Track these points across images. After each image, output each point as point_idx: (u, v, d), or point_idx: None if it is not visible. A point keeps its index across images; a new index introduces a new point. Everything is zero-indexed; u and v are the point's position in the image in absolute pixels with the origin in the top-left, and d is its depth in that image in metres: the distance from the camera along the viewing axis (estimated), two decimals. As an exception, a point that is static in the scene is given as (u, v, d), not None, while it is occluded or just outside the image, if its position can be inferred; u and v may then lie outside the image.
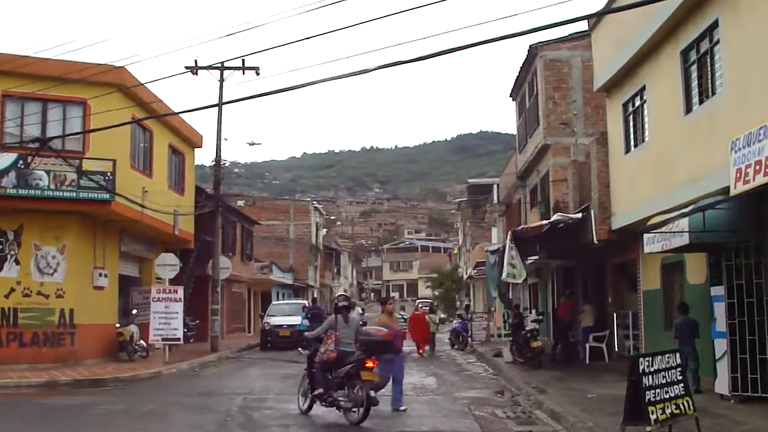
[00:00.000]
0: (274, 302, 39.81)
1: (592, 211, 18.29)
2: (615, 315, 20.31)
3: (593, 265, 21.99)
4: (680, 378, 9.03)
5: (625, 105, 17.40)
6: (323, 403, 11.98)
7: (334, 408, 11.84)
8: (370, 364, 11.44)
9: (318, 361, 12.13)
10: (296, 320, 30.94)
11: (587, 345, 20.48)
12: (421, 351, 27.33)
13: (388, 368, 12.66)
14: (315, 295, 59.43)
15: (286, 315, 32.14)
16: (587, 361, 20.06)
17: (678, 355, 9.31)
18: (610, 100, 18.57)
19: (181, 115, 25.81)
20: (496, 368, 20.79)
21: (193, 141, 28.88)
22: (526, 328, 21.56)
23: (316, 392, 12.05)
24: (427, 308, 32.55)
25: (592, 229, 18.07)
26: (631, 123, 17.14)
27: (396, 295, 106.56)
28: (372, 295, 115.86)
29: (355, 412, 11.41)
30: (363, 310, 33.82)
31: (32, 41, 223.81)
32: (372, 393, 11.31)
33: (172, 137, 26.80)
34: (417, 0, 22.50)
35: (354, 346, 12.03)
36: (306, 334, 13.67)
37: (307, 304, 35.23)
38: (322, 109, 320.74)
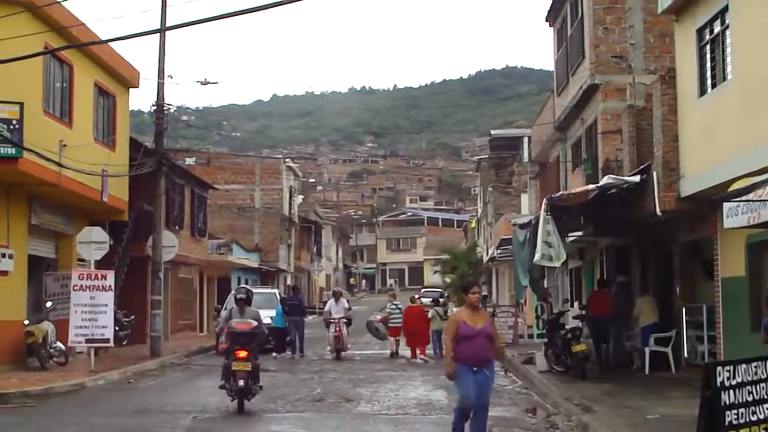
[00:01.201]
0: (234, 292, 39.72)
1: (654, 173, 18.25)
2: (684, 310, 20.34)
3: (655, 245, 21.99)
4: (772, 394, 8.95)
5: (700, 32, 17.27)
6: (228, 394, 15.50)
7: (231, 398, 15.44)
8: (241, 354, 15.14)
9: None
10: (266, 315, 30.70)
11: (647, 349, 20.49)
12: (414, 356, 27.15)
13: (473, 385, 11.52)
14: (290, 281, 59.46)
15: None
16: (647, 371, 20.11)
17: (769, 364, 9.23)
18: (679, 26, 18.44)
19: (111, 44, 25.55)
20: (526, 379, 20.87)
21: (127, 79, 28.69)
22: (566, 327, 21.52)
23: (219, 385, 15.74)
24: (429, 300, 32.48)
25: (654, 197, 18.05)
26: (708, 56, 17.03)
27: (394, 281, 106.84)
28: (363, 282, 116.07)
29: (236, 401, 15.24)
30: (350, 302, 33.64)
31: None
32: (241, 383, 14.96)
33: (99, 74, 26.61)
34: None
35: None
36: (216, 328, 18.64)
37: (280, 294, 35.08)
38: (298, 39, 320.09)
